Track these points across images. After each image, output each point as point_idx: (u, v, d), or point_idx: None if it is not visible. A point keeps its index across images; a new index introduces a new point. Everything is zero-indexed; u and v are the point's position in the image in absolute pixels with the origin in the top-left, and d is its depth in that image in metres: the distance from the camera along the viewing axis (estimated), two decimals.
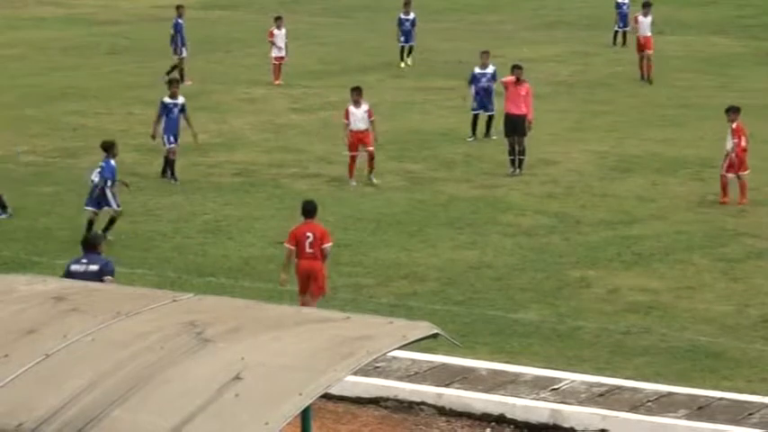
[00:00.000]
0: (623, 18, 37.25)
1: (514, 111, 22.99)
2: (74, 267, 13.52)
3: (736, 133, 20.96)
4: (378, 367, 13.46)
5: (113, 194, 19.33)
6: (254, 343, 8.17)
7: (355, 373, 8.31)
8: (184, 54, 31.79)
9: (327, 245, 15.45)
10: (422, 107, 29.13)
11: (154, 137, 23.13)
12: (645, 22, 32.42)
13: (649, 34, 32.00)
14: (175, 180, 22.60)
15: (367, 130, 22.38)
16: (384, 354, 8.54)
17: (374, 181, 22.22)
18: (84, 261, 13.59)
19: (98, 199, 19.25)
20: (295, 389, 7.61)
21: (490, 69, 25.88)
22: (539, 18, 43.19)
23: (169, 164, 22.78)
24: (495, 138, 24.99)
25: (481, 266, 17.87)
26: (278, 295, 16.26)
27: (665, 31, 39.83)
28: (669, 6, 45.46)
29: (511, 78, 23.29)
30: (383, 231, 19.24)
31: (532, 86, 24.14)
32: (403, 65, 34.34)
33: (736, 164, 20.81)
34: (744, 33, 39.79)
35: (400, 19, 34.89)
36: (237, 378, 7.67)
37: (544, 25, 41.45)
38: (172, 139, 22.82)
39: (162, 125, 22.88)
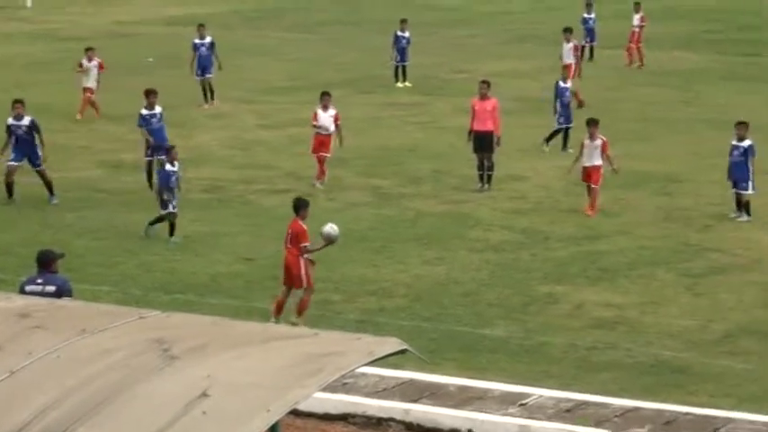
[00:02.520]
0: (590, 33, 37.54)
1: (481, 127, 23.03)
2: (29, 288, 12.86)
3: (605, 147, 21.37)
4: (346, 383, 13.45)
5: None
6: (221, 360, 8.15)
7: (323, 390, 8.31)
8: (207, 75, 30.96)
9: (303, 244, 16.08)
10: (389, 123, 29.19)
11: (149, 148, 23.00)
12: (565, 48, 31.92)
13: (570, 61, 31.23)
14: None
15: (330, 135, 23.03)
16: (352, 370, 8.54)
17: (318, 186, 22.82)
18: (41, 281, 12.96)
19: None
20: (263, 405, 7.60)
21: (569, 84, 26.38)
22: (509, 33, 43.37)
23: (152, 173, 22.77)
24: (571, 150, 24.98)
25: (449, 282, 17.91)
26: (246, 312, 16.24)
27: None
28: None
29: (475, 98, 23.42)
30: (350, 247, 19.24)
31: (502, 102, 24.24)
32: (400, 85, 33.36)
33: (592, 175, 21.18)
34: (709, 48, 40.11)
35: (397, 36, 33.81)
36: (204, 395, 7.65)
37: (515, 40, 41.63)
38: (149, 152, 22.80)
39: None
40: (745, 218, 20.72)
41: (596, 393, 13.76)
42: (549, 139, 25.92)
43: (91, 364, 8.03)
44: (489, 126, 23.05)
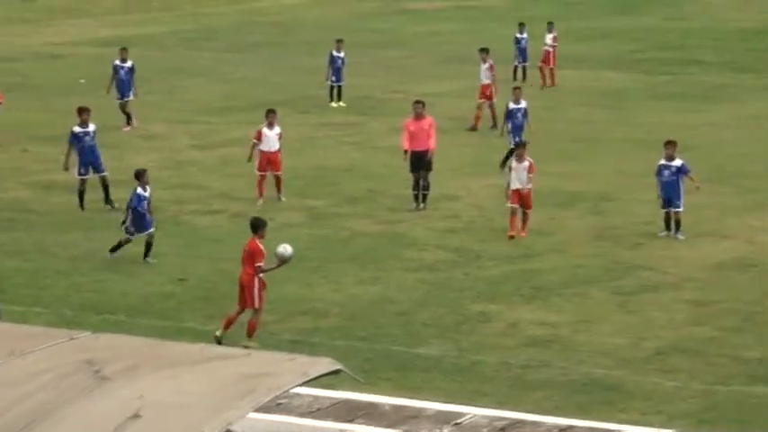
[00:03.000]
0: (522, 53, 37.82)
1: (418, 147, 22.98)
2: None
3: (531, 169, 21.33)
4: (280, 404, 13.40)
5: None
6: (153, 381, 8.10)
7: (257, 410, 8.27)
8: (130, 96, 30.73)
9: (257, 264, 16.23)
10: (324, 143, 29.21)
11: (67, 168, 22.90)
12: (482, 68, 31.31)
13: (487, 81, 30.87)
14: (112, 206, 22.61)
15: (278, 151, 23.28)
16: (286, 390, 8.52)
17: (283, 199, 23.22)
18: None
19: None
20: (195, 426, 7.55)
21: (523, 104, 26.35)
22: (440, 53, 43.62)
23: (104, 190, 22.74)
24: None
25: (383, 302, 17.92)
26: (178, 333, 16.13)
27: (561, 65, 40.56)
28: (564, 41, 46.26)
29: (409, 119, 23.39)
30: (285, 267, 19.19)
31: (436, 121, 24.32)
32: (335, 105, 33.31)
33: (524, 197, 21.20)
34: (636, 68, 40.62)
35: (332, 56, 33.71)
36: (136, 416, 7.59)
37: (445, 60, 41.86)
38: (82, 170, 22.71)
39: (75, 155, 22.77)
40: (681, 236, 20.87)
41: (530, 412, 13.84)
42: (504, 162, 25.71)
43: (20, 386, 7.94)
44: (426, 145, 23.13)
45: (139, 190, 19.87)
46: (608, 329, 16.85)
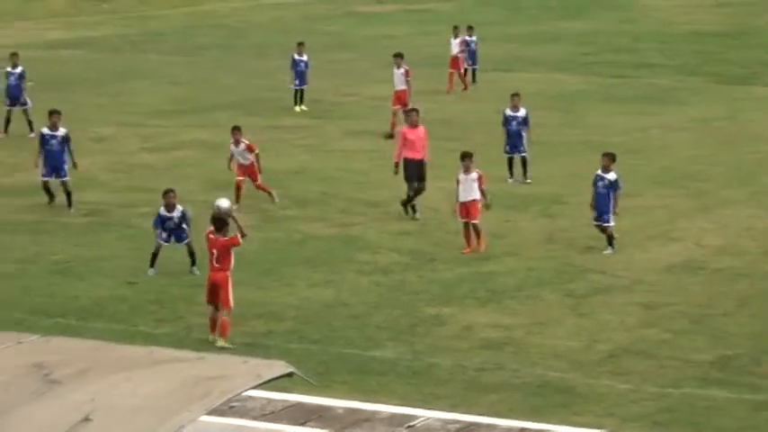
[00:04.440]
0: (472, 55, 37.88)
1: (415, 155, 22.42)
2: None
3: (482, 180, 20.80)
4: (233, 407, 13.29)
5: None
6: (104, 384, 7.98)
7: (210, 413, 8.18)
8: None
9: (236, 238, 16.67)
10: (275, 146, 29.06)
11: (37, 166, 22.72)
12: (396, 74, 30.64)
13: (403, 87, 30.24)
14: (71, 208, 22.45)
15: (252, 164, 23.20)
16: (239, 393, 8.44)
17: (276, 200, 23.34)
18: None
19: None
20: (147, 430, 7.45)
21: (522, 112, 25.51)
22: (388, 56, 43.59)
23: (66, 195, 22.50)
24: (529, 181, 24.97)
25: (337, 305, 17.84)
26: (130, 336, 15.97)
27: (513, 67, 40.73)
28: (515, 44, 46.49)
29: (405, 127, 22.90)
30: (238, 270, 18.98)
31: (385, 125, 24.31)
32: (298, 109, 32.94)
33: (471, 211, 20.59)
34: (587, 70, 40.85)
35: (294, 60, 33.20)
36: (87, 420, 7.48)
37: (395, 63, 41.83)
38: (47, 171, 22.46)
39: (41, 157, 22.54)
40: (609, 250, 20.34)
41: (485, 414, 13.81)
42: (511, 171, 25.24)
43: None
44: (422, 154, 22.66)
45: (162, 210, 19.23)
46: (561, 332, 16.87)
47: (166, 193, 19.36)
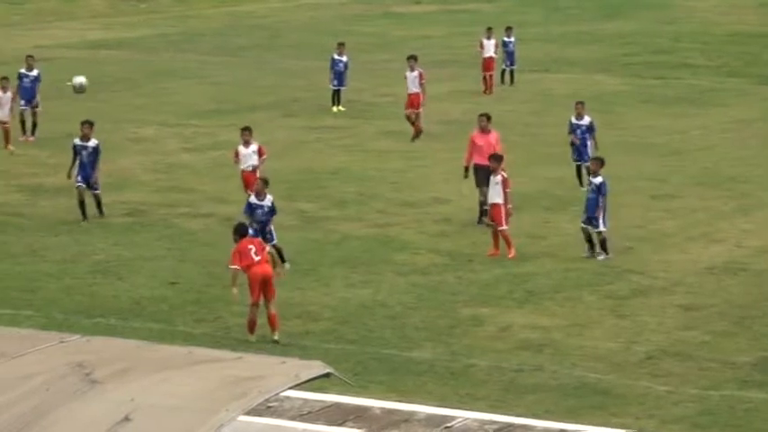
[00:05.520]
0: (510, 56, 37.77)
1: (482, 161, 21.83)
2: None
3: (506, 184, 20.55)
4: (270, 407, 13.33)
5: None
6: (144, 384, 8.03)
7: (247, 413, 8.21)
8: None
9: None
10: (313, 146, 29.14)
11: (69, 177, 22.50)
12: (410, 77, 30.04)
13: (416, 90, 29.69)
14: (102, 215, 22.26)
15: (255, 170, 22.32)
16: (277, 393, 8.47)
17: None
18: None
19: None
20: (186, 429, 7.49)
21: (586, 120, 24.90)
22: (427, 57, 43.56)
23: (96, 201, 22.30)
24: (584, 189, 24.13)
25: (375, 305, 17.85)
26: (170, 336, 16.06)
27: (551, 68, 40.61)
28: (555, 45, 46.32)
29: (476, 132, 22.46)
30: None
31: (426, 125, 24.23)
32: (335, 110, 32.77)
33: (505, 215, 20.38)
34: (627, 71, 40.65)
35: (333, 60, 33.01)
36: (127, 419, 7.53)
37: (433, 64, 41.79)
38: (79, 179, 22.18)
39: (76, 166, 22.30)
40: (602, 256, 19.98)
41: (522, 416, 13.78)
42: (580, 178, 24.59)
43: (11, 389, 7.86)
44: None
45: (253, 198, 19.11)
46: (600, 334, 16.81)
47: (263, 181, 19.30)
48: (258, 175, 21.83)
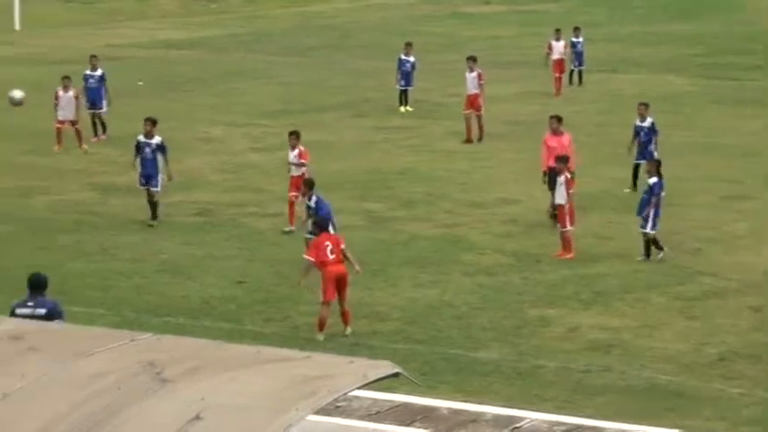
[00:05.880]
0: (578, 57, 37.55)
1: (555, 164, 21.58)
2: (20, 311, 12.93)
3: (569, 185, 20.29)
4: (339, 407, 13.38)
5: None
6: (214, 383, 8.09)
7: (316, 413, 8.25)
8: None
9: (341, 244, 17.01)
10: (381, 146, 29.17)
11: (134, 168, 22.52)
12: (469, 77, 29.78)
13: (476, 91, 29.50)
14: (155, 220, 21.99)
15: (302, 176, 21.62)
16: (345, 393, 8.48)
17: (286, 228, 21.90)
18: (31, 304, 13.04)
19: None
20: (256, 428, 7.54)
21: (648, 121, 24.63)
22: (496, 57, 43.44)
23: (151, 205, 22.09)
24: (626, 191, 24.20)
25: (442, 305, 17.85)
26: (239, 335, 16.17)
27: (619, 69, 40.30)
28: (622, 45, 45.97)
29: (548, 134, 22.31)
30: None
31: (493, 125, 24.17)
32: (403, 110, 32.79)
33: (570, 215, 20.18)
34: (696, 72, 40.23)
35: (401, 60, 33.02)
36: (198, 418, 7.59)
37: (501, 64, 41.67)
38: (142, 180, 22.15)
39: (138, 165, 22.21)
40: (660, 254, 19.77)
41: (590, 417, 13.70)
42: (635, 181, 24.35)
43: (83, 387, 7.96)
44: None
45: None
46: (670, 335, 16.67)
47: (305, 182, 19.63)
48: (303, 176, 21.31)
